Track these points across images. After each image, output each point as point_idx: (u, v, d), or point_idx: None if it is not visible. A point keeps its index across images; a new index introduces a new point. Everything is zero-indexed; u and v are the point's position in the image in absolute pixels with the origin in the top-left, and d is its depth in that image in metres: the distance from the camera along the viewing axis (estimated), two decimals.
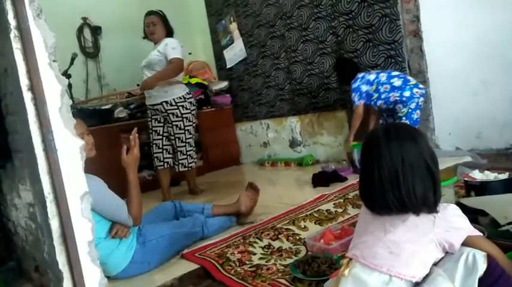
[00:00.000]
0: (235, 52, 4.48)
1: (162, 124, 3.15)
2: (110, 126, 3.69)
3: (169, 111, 3.06)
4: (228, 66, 4.61)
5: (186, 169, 3.17)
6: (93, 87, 4.16)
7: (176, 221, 2.08)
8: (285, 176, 3.61)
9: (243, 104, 4.56)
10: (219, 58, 4.75)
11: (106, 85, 4.21)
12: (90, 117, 3.38)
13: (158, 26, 3.09)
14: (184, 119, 3.09)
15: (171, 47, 2.99)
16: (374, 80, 2.91)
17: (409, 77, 2.87)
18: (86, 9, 4.11)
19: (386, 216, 1.08)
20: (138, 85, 3.98)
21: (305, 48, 3.74)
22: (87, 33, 4.16)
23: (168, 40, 3.07)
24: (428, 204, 1.02)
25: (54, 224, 1.29)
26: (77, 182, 1.30)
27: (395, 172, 1.02)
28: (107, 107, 3.95)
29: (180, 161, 3.14)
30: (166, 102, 3.05)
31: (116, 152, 3.41)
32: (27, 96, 1.27)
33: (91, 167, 1.51)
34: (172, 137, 3.13)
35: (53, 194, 1.29)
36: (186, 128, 3.11)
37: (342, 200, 2.36)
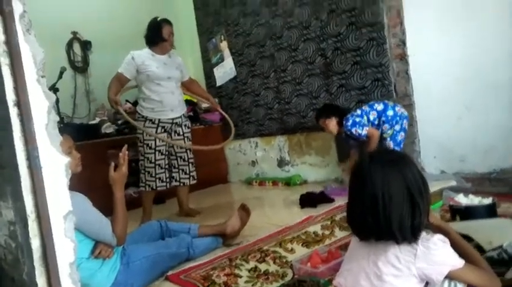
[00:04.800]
0: (225, 70, 4.51)
1: (165, 143, 3.05)
2: (97, 142, 3.63)
3: (183, 123, 3.15)
4: (217, 84, 4.63)
5: (195, 181, 3.23)
6: (80, 102, 4.11)
7: (162, 241, 2.04)
8: (273, 195, 3.60)
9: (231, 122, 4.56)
10: (209, 76, 4.77)
11: (94, 100, 4.17)
12: (76, 132, 3.33)
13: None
14: (189, 132, 3.22)
15: (184, 66, 3.23)
16: (361, 113, 2.96)
17: (386, 101, 2.97)
18: (76, 24, 4.10)
19: (372, 244, 1.07)
20: (128, 101, 3.98)
21: (294, 69, 3.79)
22: (76, 47, 4.14)
23: (176, 55, 3.19)
24: (404, 232, 1.01)
25: (35, 244, 1.25)
26: (61, 201, 1.27)
27: (374, 197, 1.03)
28: (93, 122, 3.91)
29: (191, 174, 3.19)
30: (183, 114, 3.16)
31: (102, 169, 3.33)
32: (13, 111, 1.25)
33: (75, 183, 1.48)
34: (183, 150, 3.14)
35: (36, 213, 1.25)
36: (191, 139, 3.23)
37: (329, 222, 2.36)
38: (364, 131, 2.89)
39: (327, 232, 2.23)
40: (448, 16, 2.86)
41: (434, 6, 2.92)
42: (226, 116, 3.53)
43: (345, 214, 2.41)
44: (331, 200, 2.85)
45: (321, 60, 3.55)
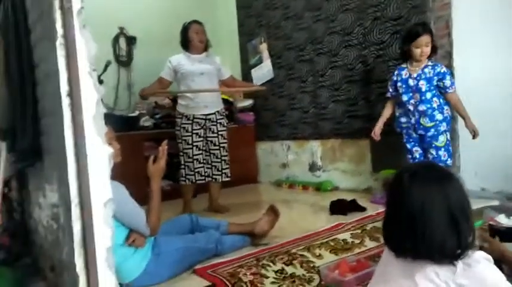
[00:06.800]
0: (263, 72, 4.54)
1: (202, 139, 3.16)
2: (134, 134, 3.77)
3: (218, 121, 3.21)
4: None
5: (228, 178, 3.28)
6: (122, 95, 4.27)
7: (191, 235, 2.09)
8: (302, 200, 3.58)
9: (265, 123, 4.58)
10: (246, 76, 4.81)
11: (134, 93, 4.31)
12: (116, 123, 3.45)
13: (204, 35, 3.21)
14: (225, 130, 3.27)
15: (221, 65, 3.35)
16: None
17: None
18: (123, 20, 4.27)
19: (407, 260, 1.03)
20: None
21: (333, 74, 3.75)
22: (122, 42, 4.31)
23: (214, 55, 3.34)
24: (448, 254, 0.96)
25: (77, 227, 1.32)
26: (103, 189, 1.33)
27: (412, 217, 0.98)
28: (133, 114, 4.05)
29: (224, 171, 3.24)
30: (218, 111, 3.23)
31: (137, 160, 3.44)
32: (65, 101, 1.33)
33: (113, 173, 1.53)
34: (216, 147, 3.21)
35: (79, 198, 1.32)
36: (225, 137, 3.27)
37: (359, 231, 2.32)
38: (453, 89, 2.60)
39: (356, 241, 2.20)
40: (498, 30, 2.76)
41: (484, 18, 2.81)
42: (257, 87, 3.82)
43: (376, 224, 2.38)
44: (363, 209, 2.81)
45: (361, 67, 3.50)
